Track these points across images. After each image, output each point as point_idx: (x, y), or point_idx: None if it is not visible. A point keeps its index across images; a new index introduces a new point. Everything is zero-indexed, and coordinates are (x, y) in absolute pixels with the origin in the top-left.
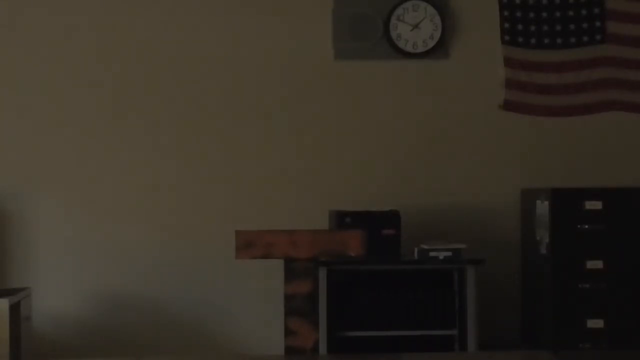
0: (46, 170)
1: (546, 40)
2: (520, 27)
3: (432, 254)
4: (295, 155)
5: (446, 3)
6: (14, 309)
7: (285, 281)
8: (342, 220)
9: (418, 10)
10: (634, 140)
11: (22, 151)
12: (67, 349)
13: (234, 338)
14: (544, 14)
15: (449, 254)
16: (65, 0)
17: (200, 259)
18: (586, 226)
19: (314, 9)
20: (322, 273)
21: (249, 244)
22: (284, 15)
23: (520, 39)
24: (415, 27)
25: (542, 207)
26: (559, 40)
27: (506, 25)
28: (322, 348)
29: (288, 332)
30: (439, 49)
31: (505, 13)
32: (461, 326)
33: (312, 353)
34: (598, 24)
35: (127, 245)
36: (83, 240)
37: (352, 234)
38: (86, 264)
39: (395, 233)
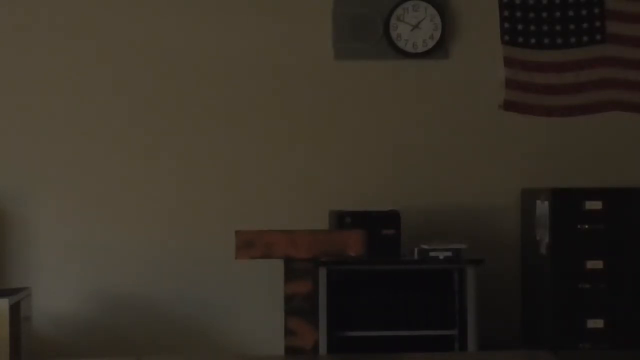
0: (46, 170)
1: (546, 40)
2: (520, 27)
3: (432, 254)
4: (295, 155)
5: (446, 3)
6: (14, 309)
7: (285, 281)
8: (342, 220)
9: (418, 10)
10: (634, 140)
11: (22, 151)
12: (67, 349)
13: (234, 338)
14: (544, 14)
15: (449, 254)
16: (65, 1)
17: (200, 259)
18: (586, 226)
19: (314, 9)
20: (322, 273)
21: (249, 244)
22: (283, 15)
23: (520, 39)
24: (415, 27)
25: (542, 207)
26: (559, 40)
27: (506, 25)
28: (322, 348)
29: (288, 332)
30: (439, 49)
31: (505, 13)
32: (461, 326)
33: (312, 353)
34: (598, 24)
35: (127, 245)
36: (83, 240)
37: (352, 234)
38: (86, 264)
39: (395, 233)
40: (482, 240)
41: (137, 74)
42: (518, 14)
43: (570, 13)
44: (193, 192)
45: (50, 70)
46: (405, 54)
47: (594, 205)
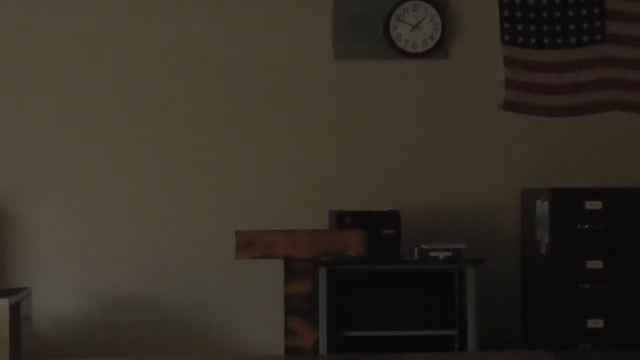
0: (46, 170)
1: (546, 40)
2: (520, 27)
3: (432, 254)
4: (295, 155)
5: (446, 3)
6: (14, 309)
7: (285, 281)
8: (342, 220)
9: (418, 10)
10: (634, 140)
11: (22, 151)
12: (67, 349)
13: (234, 338)
14: (544, 14)
15: (449, 254)
16: (65, 1)
17: (201, 259)
18: (586, 226)
19: (314, 9)
20: (322, 273)
21: (249, 244)
22: (283, 15)
23: (520, 39)
24: (415, 27)
25: (542, 207)
26: (559, 40)
27: (506, 25)
28: (322, 348)
29: (288, 332)
30: (439, 49)
31: (505, 13)
32: (461, 326)
33: (312, 353)
34: (598, 24)
35: (127, 245)
36: (83, 240)
37: (352, 234)
38: (86, 264)
39: (395, 233)
40: (482, 240)
41: (137, 73)
42: (518, 14)
43: (570, 13)
44: (193, 192)
45: (50, 70)
46: (405, 54)
47: (594, 205)
